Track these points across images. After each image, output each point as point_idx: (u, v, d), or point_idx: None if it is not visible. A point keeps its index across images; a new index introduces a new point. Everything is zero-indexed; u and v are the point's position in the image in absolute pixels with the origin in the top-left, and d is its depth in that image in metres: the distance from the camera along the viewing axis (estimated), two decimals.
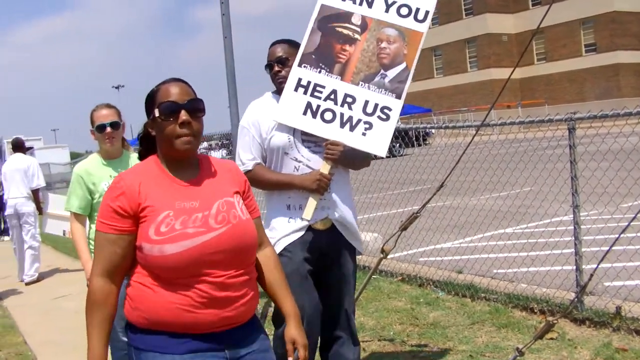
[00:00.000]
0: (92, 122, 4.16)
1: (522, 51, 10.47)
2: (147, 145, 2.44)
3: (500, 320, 5.62)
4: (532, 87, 59.72)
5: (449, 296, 6.59)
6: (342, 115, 3.60)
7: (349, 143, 3.55)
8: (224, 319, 2.20)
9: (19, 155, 10.28)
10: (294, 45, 3.70)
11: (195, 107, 2.29)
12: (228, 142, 10.65)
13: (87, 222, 4.27)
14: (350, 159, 3.62)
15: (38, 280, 9.98)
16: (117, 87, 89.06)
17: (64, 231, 10.68)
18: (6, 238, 14.21)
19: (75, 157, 37.60)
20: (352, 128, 3.59)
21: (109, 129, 4.10)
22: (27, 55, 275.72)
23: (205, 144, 27.27)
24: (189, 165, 2.34)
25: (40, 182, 10.11)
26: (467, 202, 11.70)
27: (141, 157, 2.45)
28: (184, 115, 2.24)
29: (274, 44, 3.71)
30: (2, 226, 16.21)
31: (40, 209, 10.31)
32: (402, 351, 5.20)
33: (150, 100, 2.32)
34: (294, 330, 2.44)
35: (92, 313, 2.21)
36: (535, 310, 5.76)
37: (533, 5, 59.55)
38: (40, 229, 10.62)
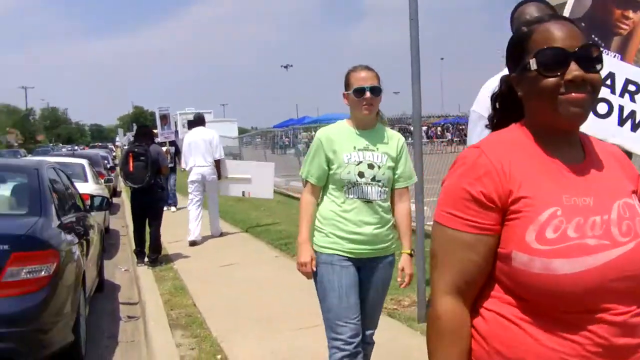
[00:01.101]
0: (348, 84, 3.65)
1: None
2: (503, 108, 1.75)
3: None
4: None
5: None
6: (621, 108, 2.75)
7: (628, 146, 2.67)
8: None
9: (201, 128, 11.25)
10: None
11: (590, 57, 1.55)
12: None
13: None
14: None
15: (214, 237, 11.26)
16: (285, 67, 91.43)
17: (242, 192, 11.96)
18: (173, 209, 15.30)
19: (242, 132, 38.97)
20: (635, 127, 2.75)
21: (368, 94, 3.56)
22: (202, 32, 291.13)
23: None
24: (572, 144, 1.62)
25: (221, 153, 11.19)
26: None
27: (496, 125, 1.76)
28: (574, 69, 1.52)
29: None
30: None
31: (220, 176, 11.19)
32: None
33: (519, 44, 1.63)
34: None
35: (443, 347, 1.55)
36: None
37: None
38: (220, 192, 11.77)
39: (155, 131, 14.13)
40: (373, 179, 3.55)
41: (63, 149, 74.20)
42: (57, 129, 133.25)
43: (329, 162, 3.59)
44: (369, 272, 3.66)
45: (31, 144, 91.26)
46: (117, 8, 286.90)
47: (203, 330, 5.92)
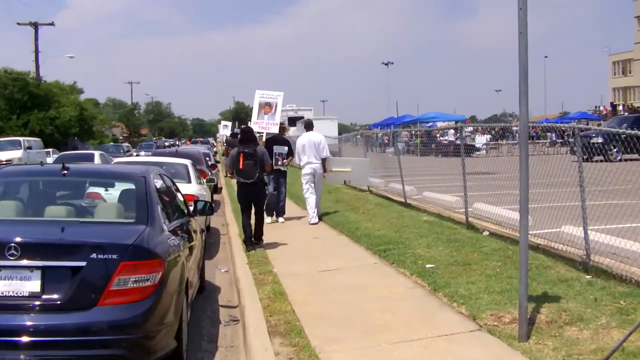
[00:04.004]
0: None
1: None
2: None
3: None
4: None
5: None
6: None
7: None
8: None
9: (312, 132, 14.02)
10: None
11: None
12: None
13: None
14: None
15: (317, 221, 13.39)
16: (386, 64, 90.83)
17: (344, 181, 17.33)
18: (281, 219, 14.05)
19: (342, 128, 38.98)
20: None
21: None
22: (305, 29, 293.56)
23: (470, 128, 26.77)
24: None
25: (327, 153, 14.03)
26: None
27: None
28: None
29: None
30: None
31: (325, 170, 14.03)
32: None
33: None
34: None
35: None
36: None
37: None
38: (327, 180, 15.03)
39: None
40: None
41: (165, 142, 76.85)
42: (160, 123, 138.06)
43: None
44: None
45: (135, 137, 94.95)
46: (223, 5, 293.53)
47: (302, 339, 5.86)
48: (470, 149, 16.72)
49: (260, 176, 10.62)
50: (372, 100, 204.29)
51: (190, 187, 11.61)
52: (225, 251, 11.64)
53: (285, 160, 13.78)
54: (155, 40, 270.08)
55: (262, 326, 6.35)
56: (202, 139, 73.57)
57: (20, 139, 35.76)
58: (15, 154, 31.98)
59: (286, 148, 13.82)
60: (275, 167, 12.99)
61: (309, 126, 14.24)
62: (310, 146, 13.57)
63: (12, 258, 4.64)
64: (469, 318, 6.23)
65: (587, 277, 7.26)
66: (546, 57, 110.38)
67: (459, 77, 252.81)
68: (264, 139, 14.40)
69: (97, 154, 28.13)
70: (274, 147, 13.61)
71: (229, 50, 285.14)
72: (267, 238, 11.11)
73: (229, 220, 14.80)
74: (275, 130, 14.82)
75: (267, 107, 15.26)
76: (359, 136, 26.76)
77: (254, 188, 10.65)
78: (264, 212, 11.30)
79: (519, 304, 5.62)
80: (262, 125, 15.03)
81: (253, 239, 10.67)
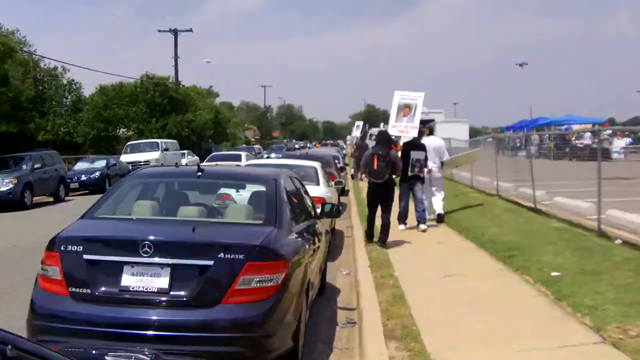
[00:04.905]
0: None
1: None
2: None
3: None
4: None
5: None
6: None
7: None
8: None
9: (433, 137, 14.97)
10: None
11: None
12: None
13: None
14: None
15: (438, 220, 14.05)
16: (520, 65, 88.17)
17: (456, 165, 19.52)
18: (423, 226, 13.25)
19: (473, 131, 38.27)
20: None
21: None
22: (436, 30, 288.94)
23: (609, 131, 25.50)
24: None
25: (447, 157, 14.94)
26: None
27: None
28: None
29: None
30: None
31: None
32: None
33: None
34: None
35: None
36: None
37: None
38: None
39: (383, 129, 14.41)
40: None
41: (295, 145, 78.50)
42: (292, 125, 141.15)
43: None
44: None
45: (267, 139, 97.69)
46: (355, 5, 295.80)
47: (417, 344, 5.85)
48: (607, 153, 15.91)
49: (390, 178, 11.22)
50: (505, 103, 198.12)
51: (318, 190, 11.88)
52: (348, 254, 11.79)
53: (425, 168, 13.11)
54: (287, 43, 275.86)
55: (378, 329, 6.39)
56: (331, 142, 74.46)
57: (158, 141, 37.75)
58: (153, 156, 33.83)
59: (424, 153, 13.03)
60: (411, 174, 12.77)
61: (431, 132, 15.45)
62: (430, 150, 13.61)
63: (145, 255, 4.95)
64: (593, 329, 5.98)
65: None
66: None
67: (597, 77, 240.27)
68: (401, 143, 13.94)
69: (243, 154, 31.08)
70: (412, 152, 12.92)
71: (358, 52, 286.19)
72: (390, 241, 11.20)
73: (353, 223, 14.95)
74: (414, 133, 13.63)
75: (406, 109, 14.21)
76: (489, 139, 26.17)
77: (383, 189, 11.22)
78: (397, 220, 12.17)
79: None
80: (401, 129, 14.07)
81: (378, 240, 11.23)
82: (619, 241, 9.87)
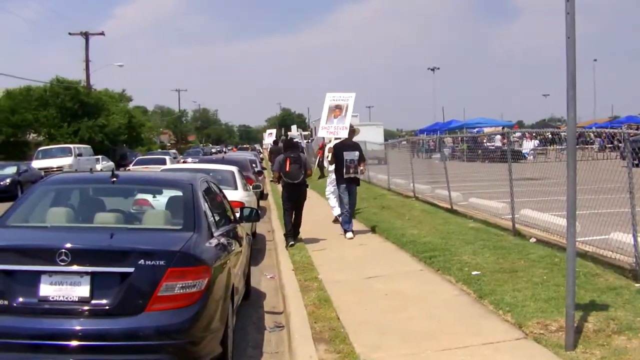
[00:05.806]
0: None
1: None
2: None
3: None
4: None
5: None
6: None
7: None
8: None
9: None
10: None
11: None
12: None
13: None
14: None
15: None
16: (432, 69, 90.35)
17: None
18: (349, 235, 12.87)
19: (387, 134, 38.84)
20: None
21: None
22: (346, 33, 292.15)
23: (518, 133, 26.41)
24: None
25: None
26: None
27: None
28: None
29: None
30: None
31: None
32: None
33: None
34: None
35: None
36: None
37: None
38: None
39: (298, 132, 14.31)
40: None
41: (212, 149, 77.85)
42: (207, 130, 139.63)
43: None
44: None
45: (183, 144, 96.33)
46: (270, 11, 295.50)
47: (346, 346, 5.87)
48: (518, 155, 16.43)
49: (304, 179, 11.78)
50: (419, 107, 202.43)
51: (236, 194, 11.77)
52: (271, 257, 11.73)
53: (360, 168, 12.57)
54: (201, 48, 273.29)
55: (307, 333, 6.38)
56: (248, 145, 74.17)
57: (71, 146, 36.57)
58: (66, 161, 32.73)
59: (357, 153, 12.48)
60: (346, 176, 12.34)
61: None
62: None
63: (62, 264, 4.75)
64: (515, 326, 6.16)
65: (637, 285, 7.12)
66: (595, 60, 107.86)
67: (506, 82, 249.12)
68: (330, 146, 13.78)
69: (167, 157, 31.63)
70: (344, 153, 12.43)
71: (272, 56, 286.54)
72: (313, 245, 11.26)
73: (274, 227, 14.89)
74: (344, 134, 13.51)
75: (337, 110, 14.33)
76: (404, 142, 26.68)
77: (298, 188, 11.80)
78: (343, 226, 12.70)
79: (566, 312, 5.54)
80: (331, 131, 14.12)
81: (292, 237, 11.87)
82: (533, 239, 10.23)
